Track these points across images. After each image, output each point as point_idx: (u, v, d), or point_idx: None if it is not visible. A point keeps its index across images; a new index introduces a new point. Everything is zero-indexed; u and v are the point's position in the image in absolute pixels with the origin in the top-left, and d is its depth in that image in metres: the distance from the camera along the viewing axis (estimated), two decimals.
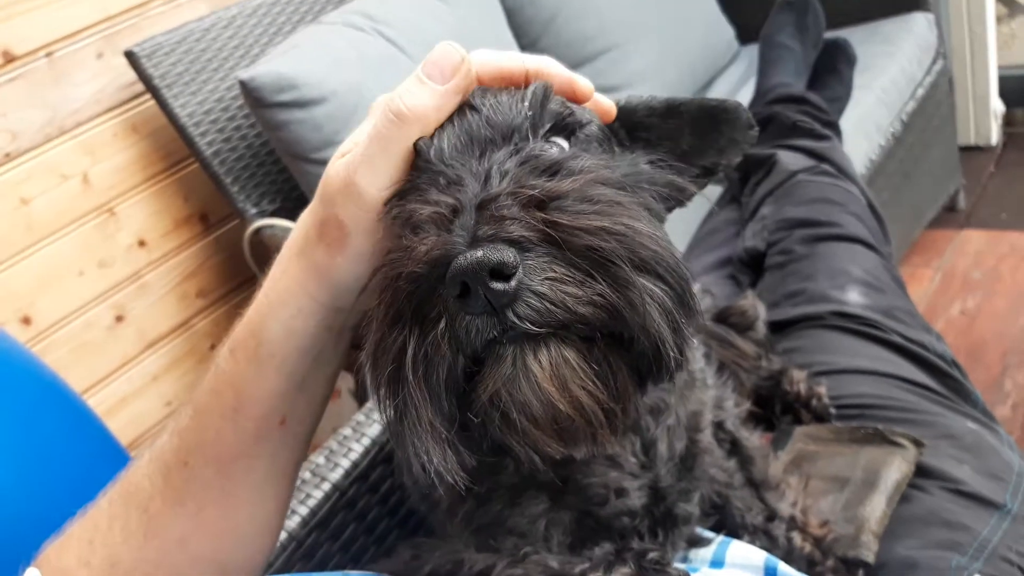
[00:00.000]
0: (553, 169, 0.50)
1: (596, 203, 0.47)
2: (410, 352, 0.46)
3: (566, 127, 0.57)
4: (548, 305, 0.44)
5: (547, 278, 0.44)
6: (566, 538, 0.63)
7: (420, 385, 0.46)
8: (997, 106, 2.72)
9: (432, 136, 0.55)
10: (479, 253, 0.43)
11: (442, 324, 0.46)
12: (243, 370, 0.62)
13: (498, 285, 0.43)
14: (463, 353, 0.46)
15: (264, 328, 0.60)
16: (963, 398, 0.97)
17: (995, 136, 2.74)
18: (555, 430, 0.47)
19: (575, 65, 2.12)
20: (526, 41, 2.06)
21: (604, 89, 2.25)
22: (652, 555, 0.56)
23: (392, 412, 0.48)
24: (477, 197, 0.47)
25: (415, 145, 0.54)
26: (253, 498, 0.66)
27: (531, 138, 0.54)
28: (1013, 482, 0.84)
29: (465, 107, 0.56)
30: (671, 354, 0.47)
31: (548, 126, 0.56)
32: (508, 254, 0.43)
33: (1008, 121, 2.80)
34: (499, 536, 0.63)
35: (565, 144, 0.56)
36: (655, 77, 2.14)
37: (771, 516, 0.78)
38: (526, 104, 0.55)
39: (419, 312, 0.47)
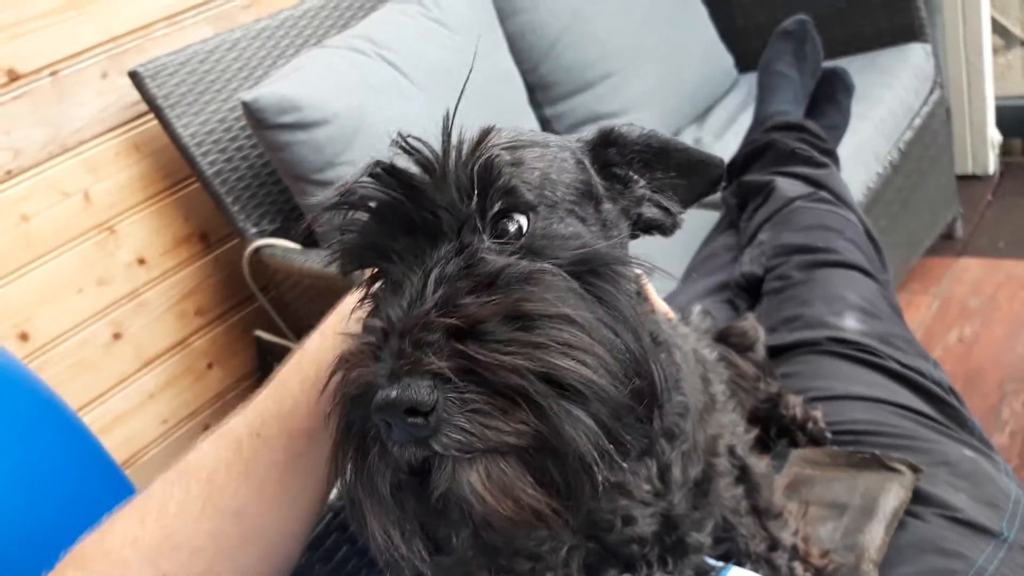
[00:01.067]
0: (489, 280, 0.49)
1: (525, 327, 0.47)
2: (350, 468, 0.50)
3: (518, 206, 0.54)
4: (470, 437, 0.45)
5: (467, 411, 0.45)
6: (581, 564, 0.63)
7: (368, 493, 0.49)
8: (994, 136, 2.74)
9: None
10: (393, 393, 0.44)
11: (377, 446, 0.48)
12: (328, 347, 0.67)
13: (416, 420, 0.44)
14: (400, 469, 0.48)
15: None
16: (960, 425, 0.97)
17: (992, 165, 2.75)
18: (509, 522, 0.48)
19: (576, 91, 2.15)
20: (527, 67, 2.08)
21: (604, 115, 2.26)
22: None
23: (351, 509, 0.51)
24: (401, 321, 0.48)
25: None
26: (308, 481, 0.69)
27: (479, 229, 0.53)
28: (1010, 510, 0.83)
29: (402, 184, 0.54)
30: (599, 476, 0.47)
31: (497, 209, 0.54)
32: (423, 392, 0.44)
33: (1005, 151, 2.82)
34: (508, 558, 0.63)
35: (523, 220, 0.54)
36: (654, 104, 2.15)
37: (774, 545, 0.77)
38: (473, 195, 0.53)
39: (361, 428, 0.49)
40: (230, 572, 0.68)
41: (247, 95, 1.62)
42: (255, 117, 1.62)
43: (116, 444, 1.87)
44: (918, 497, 0.85)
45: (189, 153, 1.76)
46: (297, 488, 0.69)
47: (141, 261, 1.90)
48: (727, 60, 2.41)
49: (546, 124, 2.11)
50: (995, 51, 2.69)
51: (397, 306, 0.49)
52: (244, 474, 0.67)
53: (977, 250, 2.51)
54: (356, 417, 0.49)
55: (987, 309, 2.27)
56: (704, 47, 2.35)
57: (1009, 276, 2.36)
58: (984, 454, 0.92)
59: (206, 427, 2.04)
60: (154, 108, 1.75)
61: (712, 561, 0.68)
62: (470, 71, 0.65)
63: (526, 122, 2.01)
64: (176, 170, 1.91)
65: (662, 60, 2.20)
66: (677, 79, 2.23)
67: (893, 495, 0.85)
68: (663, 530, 0.65)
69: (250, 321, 2.09)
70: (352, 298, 0.64)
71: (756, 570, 0.73)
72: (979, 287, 2.36)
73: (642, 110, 2.10)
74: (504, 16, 2.05)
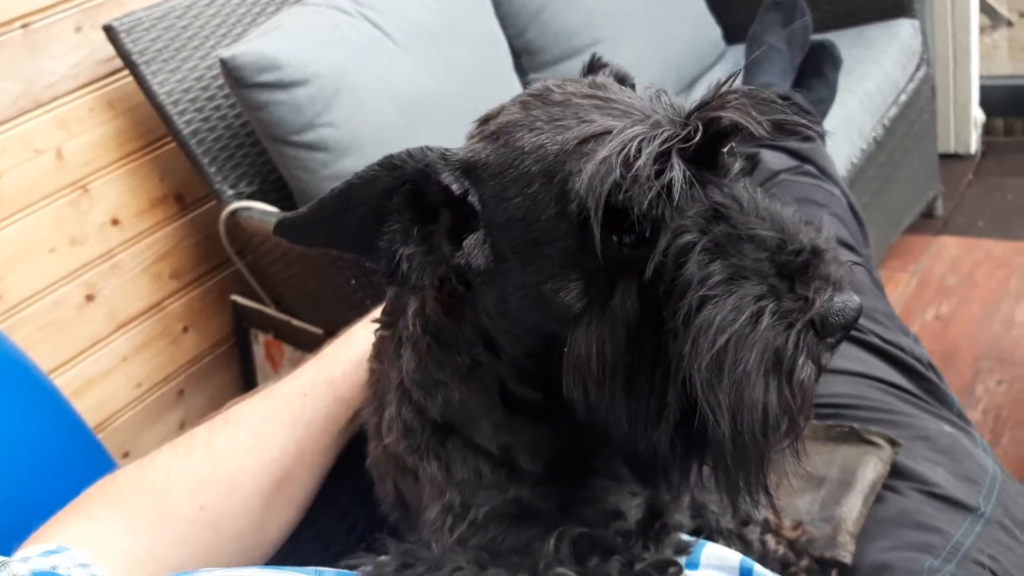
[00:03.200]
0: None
1: None
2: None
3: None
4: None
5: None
6: (570, 553, 0.63)
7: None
8: (977, 115, 2.74)
9: None
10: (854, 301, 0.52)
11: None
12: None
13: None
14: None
15: None
16: (939, 401, 0.97)
17: (974, 145, 2.76)
18: None
19: (562, 58, 2.12)
20: (513, 32, 2.04)
21: None
22: (672, 570, 0.60)
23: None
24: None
25: None
26: (338, 445, 0.81)
27: None
28: (987, 485, 0.84)
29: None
30: None
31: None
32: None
33: (987, 130, 2.82)
34: (497, 556, 0.63)
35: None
36: (641, 73, 2.09)
37: (745, 520, 0.77)
38: None
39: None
40: (260, 511, 0.76)
41: (225, 52, 1.58)
42: (233, 75, 1.58)
43: (88, 408, 1.84)
44: (896, 471, 0.85)
45: (165, 111, 1.72)
46: (328, 447, 0.79)
47: (115, 221, 1.86)
48: (715, 31, 2.39)
49: None
50: (982, 30, 2.69)
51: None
52: (289, 426, 0.77)
53: (956, 228, 2.52)
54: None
55: (964, 287, 2.29)
56: (693, 18, 2.33)
57: (987, 255, 2.38)
58: (963, 429, 0.93)
59: (181, 392, 2.02)
60: (129, 64, 1.70)
61: (687, 538, 0.68)
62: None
63: (511, 88, 1.98)
64: (152, 129, 1.87)
65: (650, 29, 2.18)
66: (665, 49, 2.21)
67: (871, 468, 0.85)
68: (647, 517, 0.65)
69: (226, 285, 2.06)
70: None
71: (728, 545, 0.73)
72: (957, 265, 2.38)
73: None
74: None
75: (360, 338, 0.82)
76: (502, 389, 0.63)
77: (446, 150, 0.57)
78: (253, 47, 1.59)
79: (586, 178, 0.50)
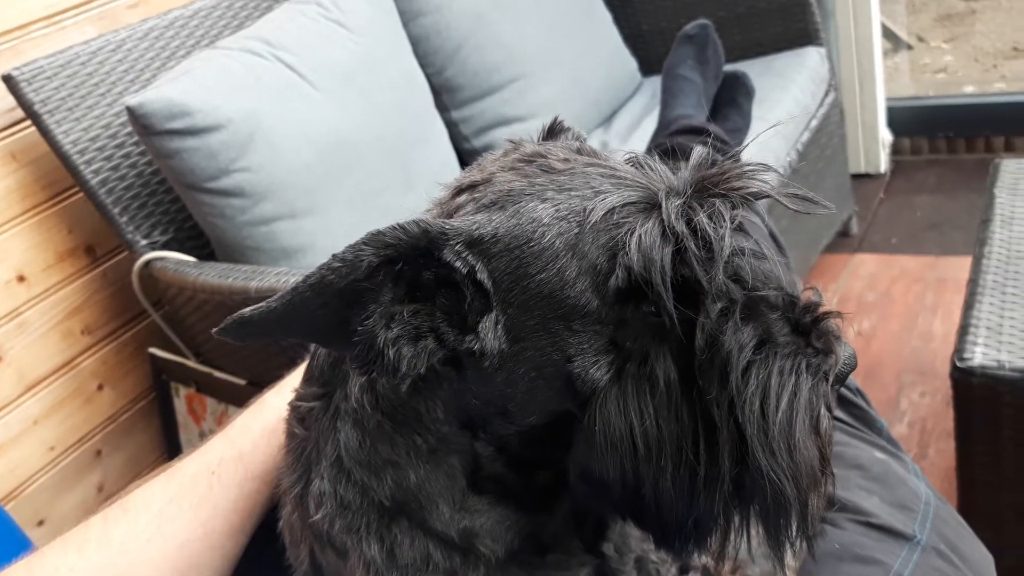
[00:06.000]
0: None
1: None
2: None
3: None
4: None
5: None
6: None
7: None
8: (885, 136, 2.85)
9: None
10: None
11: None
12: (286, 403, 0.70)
13: None
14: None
15: None
16: (868, 426, 0.98)
17: (884, 164, 2.87)
18: None
19: (482, 95, 2.12)
20: (432, 70, 2.03)
21: (512, 119, 2.24)
22: None
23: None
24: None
25: None
26: (252, 522, 0.76)
27: None
28: (921, 511, 0.84)
29: None
30: None
31: None
32: None
33: (896, 150, 2.94)
34: None
35: None
36: (562, 108, 2.14)
37: (684, 568, 0.76)
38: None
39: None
40: None
41: (132, 100, 1.52)
42: (141, 123, 1.53)
43: None
44: (832, 503, 0.85)
45: (71, 162, 1.65)
46: (240, 527, 0.75)
47: (21, 278, 1.77)
48: (631, 64, 2.43)
49: (453, 127, 2.07)
50: (884, 54, 2.80)
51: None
52: (195, 508, 0.73)
53: (872, 246, 2.61)
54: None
55: (883, 303, 2.36)
56: (609, 51, 2.36)
57: (903, 271, 2.46)
58: (893, 455, 0.93)
59: (98, 452, 1.92)
60: (31, 114, 1.63)
61: None
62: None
63: (433, 126, 1.97)
64: (58, 179, 1.79)
65: (569, 64, 2.20)
66: (584, 83, 2.23)
67: None
68: None
69: (143, 338, 1.97)
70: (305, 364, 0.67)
71: None
72: (875, 282, 2.45)
73: (549, 114, 2.04)
74: (407, 18, 2.00)
75: (272, 406, 0.77)
76: (473, 470, 0.59)
77: (444, 222, 0.53)
78: (162, 93, 1.53)
79: (637, 250, 0.50)
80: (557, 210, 0.52)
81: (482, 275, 0.52)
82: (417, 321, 0.52)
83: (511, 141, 0.61)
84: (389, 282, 0.51)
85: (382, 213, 1.73)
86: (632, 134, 2.17)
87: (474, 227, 0.53)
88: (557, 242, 0.51)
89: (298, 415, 0.67)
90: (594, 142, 2.18)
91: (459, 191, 0.57)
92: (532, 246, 0.52)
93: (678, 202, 0.51)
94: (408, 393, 0.57)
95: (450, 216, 0.56)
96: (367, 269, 0.50)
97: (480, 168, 0.58)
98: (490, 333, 0.52)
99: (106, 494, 1.92)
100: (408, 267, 0.51)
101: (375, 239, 0.50)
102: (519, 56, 2.11)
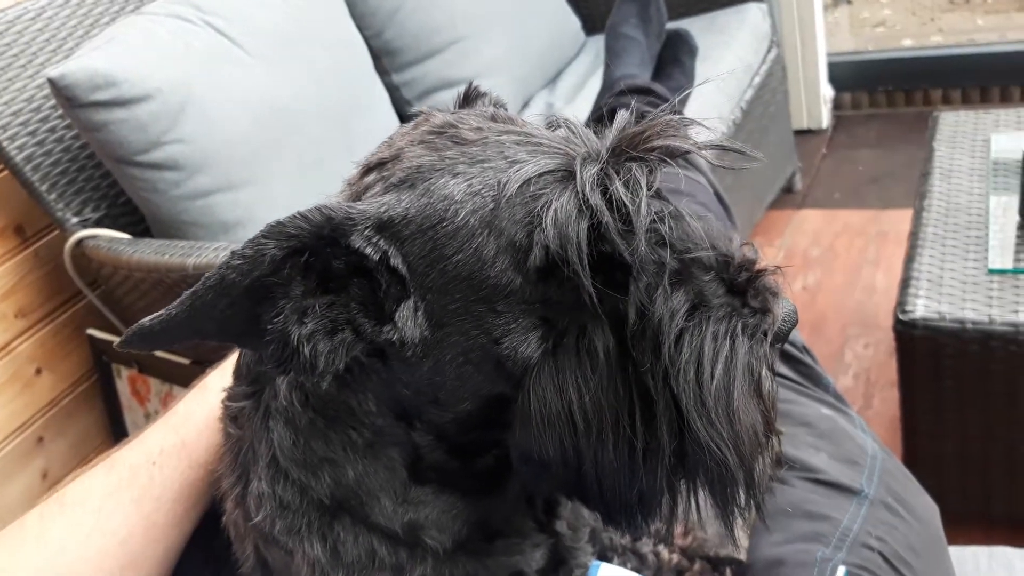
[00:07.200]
0: None
1: None
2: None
3: None
4: None
5: None
6: None
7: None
8: (827, 91, 2.87)
9: None
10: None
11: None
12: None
13: None
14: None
15: None
16: (815, 383, 0.99)
17: (826, 120, 2.90)
18: None
19: (423, 57, 2.06)
20: (370, 33, 1.98)
21: (455, 82, 2.19)
22: None
23: None
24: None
25: None
26: (196, 512, 0.73)
27: None
28: (868, 465, 0.86)
29: None
30: None
31: None
32: None
33: (837, 105, 2.97)
34: None
35: None
36: (505, 69, 2.11)
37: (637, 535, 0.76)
38: None
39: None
40: None
41: (54, 71, 1.45)
42: (64, 95, 1.46)
43: None
44: (782, 463, 0.86)
45: None
46: (184, 516, 0.72)
47: None
48: (575, 23, 2.40)
49: (394, 91, 2.02)
50: (824, 9, 2.81)
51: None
52: (136, 500, 0.69)
53: (815, 201, 2.64)
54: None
55: (827, 258, 2.39)
56: (551, 11, 2.33)
57: (846, 225, 2.49)
58: (840, 411, 0.95)
59: (40, 439, 1.87)
60: None
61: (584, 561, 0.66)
62: None
63: (373, 90, 1.92)
64: None
65: (511, 25, 2.16)
66: (527, 44, 2.20)
67: None
68: (549, 566, 0.63)
69: (80, 319, 1.91)
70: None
71: (624, 563, 0.72)
72: (819, 237, 2.48)
73: (493, 76, 2.05)
74: None
75: (214, 390, 0.72)
76: (413, 461, 0.57)
77: (349, 206, 0.49)
78: (85, 63, 1.46)
79: (552, 227, 0.47)
80: (470, 185, 0.49)
81: (396, 260, 0.49)
82: (332, 314, 0.49)
83: (422, 112, 0.57)
84: (298, 275, 0.48)
85: (324, 182, 1.68)
86: (577, 95, 2.15)
87: (383, 209, 0.50)
88: (472, 220, 0.49)
89: (230, 414, 0.64)
90: (539, 104, 2.15)
91: (367, 170, 0.54)
92: (446, 226, 0.49)
93: (594, 169, 0.49)
94: (337, 388, 0.55)
95: (358, 198, 0.52)
96: (271, 263, 0.47)
97: (389, 144, 0.55)
98: (409, 321, 0.50)
99: (51, 481, 1.87)
100: (316, 257, 0.48)
101: (275, 230, 0.47)
102: (460, 17, 2.06)
